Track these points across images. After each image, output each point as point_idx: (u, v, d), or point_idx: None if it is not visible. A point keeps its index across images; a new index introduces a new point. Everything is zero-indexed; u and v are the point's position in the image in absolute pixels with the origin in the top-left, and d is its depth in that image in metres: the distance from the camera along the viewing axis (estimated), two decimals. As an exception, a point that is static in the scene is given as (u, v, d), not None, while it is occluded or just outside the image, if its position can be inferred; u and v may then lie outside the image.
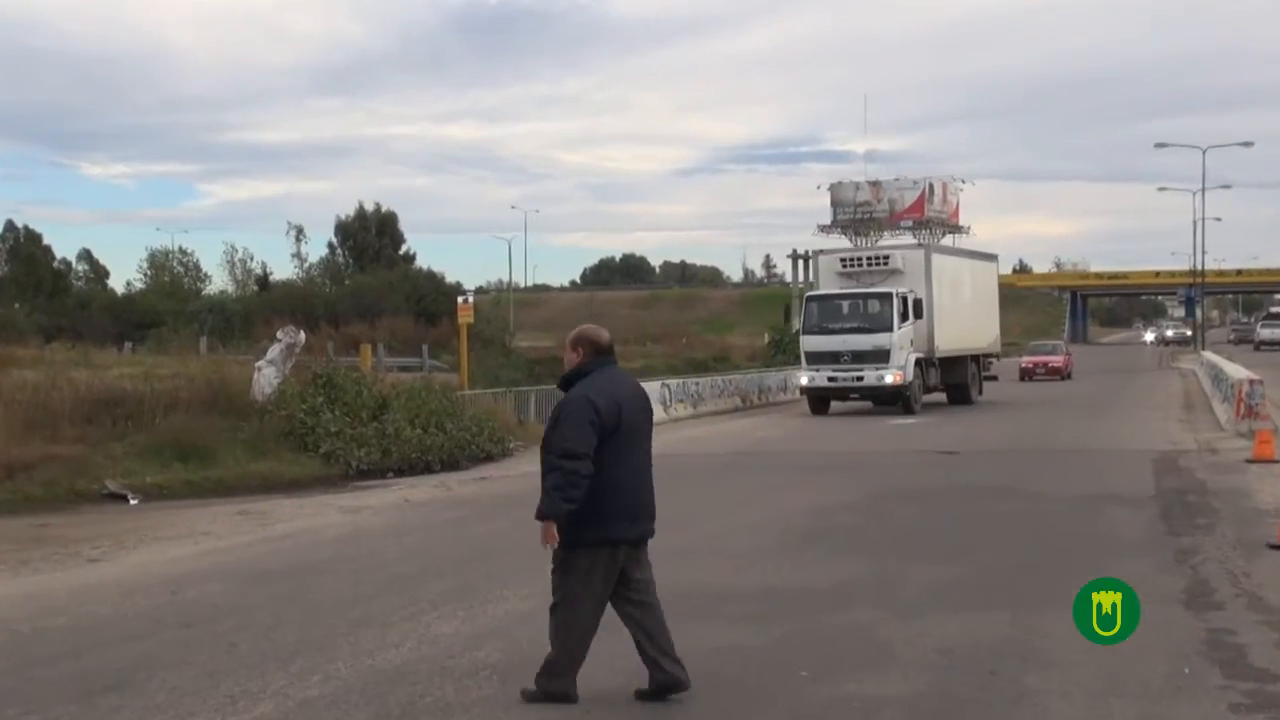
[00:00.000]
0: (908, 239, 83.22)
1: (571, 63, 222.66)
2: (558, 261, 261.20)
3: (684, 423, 30.25)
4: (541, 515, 6.38)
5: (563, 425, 6.38)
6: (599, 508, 6.39)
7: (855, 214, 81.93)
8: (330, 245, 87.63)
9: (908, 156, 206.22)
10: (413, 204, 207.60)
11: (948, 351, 32.89)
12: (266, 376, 21.73)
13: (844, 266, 32.50)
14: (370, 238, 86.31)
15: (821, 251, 35.16)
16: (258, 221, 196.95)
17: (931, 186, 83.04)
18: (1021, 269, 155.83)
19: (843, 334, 30.72)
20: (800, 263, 70.89)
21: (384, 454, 20.60)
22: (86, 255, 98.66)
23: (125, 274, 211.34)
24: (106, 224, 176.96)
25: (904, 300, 30.90)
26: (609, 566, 6.56)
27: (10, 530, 14.41)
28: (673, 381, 33.79)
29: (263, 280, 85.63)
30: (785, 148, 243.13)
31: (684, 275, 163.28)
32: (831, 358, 30.81)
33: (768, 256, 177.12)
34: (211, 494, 17.90)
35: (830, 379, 30.88)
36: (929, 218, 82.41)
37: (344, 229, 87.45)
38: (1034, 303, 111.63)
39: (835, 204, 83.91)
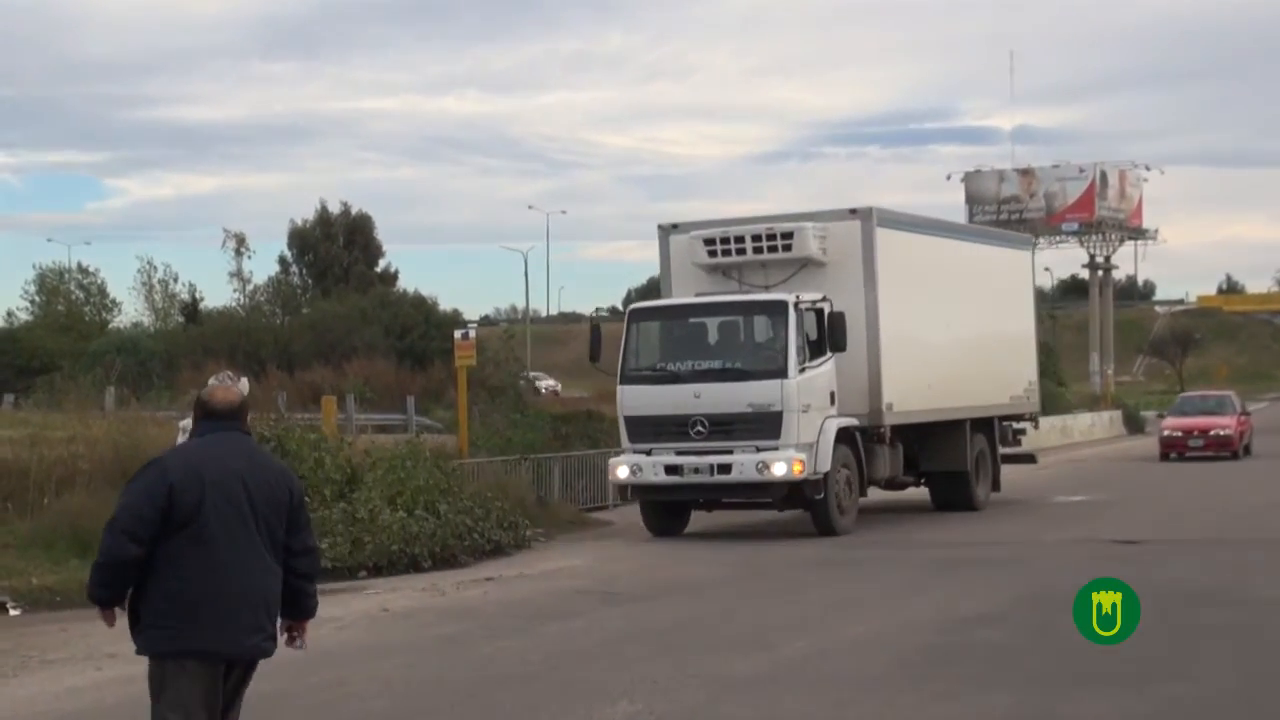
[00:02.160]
0: (1073, 247, 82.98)
1: (612, 9, 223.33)
2: (593, 281, 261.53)
3: None
4: (90, 596, 7.13)
5: (122, 495, 7.03)
6: (174, 608, 6.91)
7: (999, 213, 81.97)
8: (282, 261, 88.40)
9: (1071, 134, 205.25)
10: (394, 204, 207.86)
11: (919, 413, 25.45)
12: (195, 440, 21.85)
13: (713, 254, 24.77)
14: (336, 250, 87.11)
15: (675, 227, 25.79)
16: (184, 229, 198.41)
17: (1104, 175, 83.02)
18: (1230, 288, 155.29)
19: (693, 381, 23.26)
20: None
21: (354, 546, 20.67)
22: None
23: (5, 301, 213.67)
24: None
25: (813, 314, 23.35)
26: (205, 686, 6.98)
27: None
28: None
29: (190, 309, 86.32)
30: (904, 124, 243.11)
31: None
32: (674, 428, 23.32)
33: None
34: (120, 601, 17.97)
35: (670, 469, 23.24)
36: (1101, 218, 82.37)
37: (300, 238, 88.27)
38: (1249, 335, 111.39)
39: (972, 200, 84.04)
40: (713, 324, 24.59)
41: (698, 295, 24.69)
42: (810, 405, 22.89)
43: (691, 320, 24.63)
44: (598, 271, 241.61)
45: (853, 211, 24.43)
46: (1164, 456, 42.30)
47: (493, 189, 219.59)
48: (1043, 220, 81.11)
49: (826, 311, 23.27)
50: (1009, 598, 16.05)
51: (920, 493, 27.73)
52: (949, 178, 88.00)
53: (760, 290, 24.18)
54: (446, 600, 17.51)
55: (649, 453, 23.40)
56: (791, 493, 23.00)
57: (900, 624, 14.55)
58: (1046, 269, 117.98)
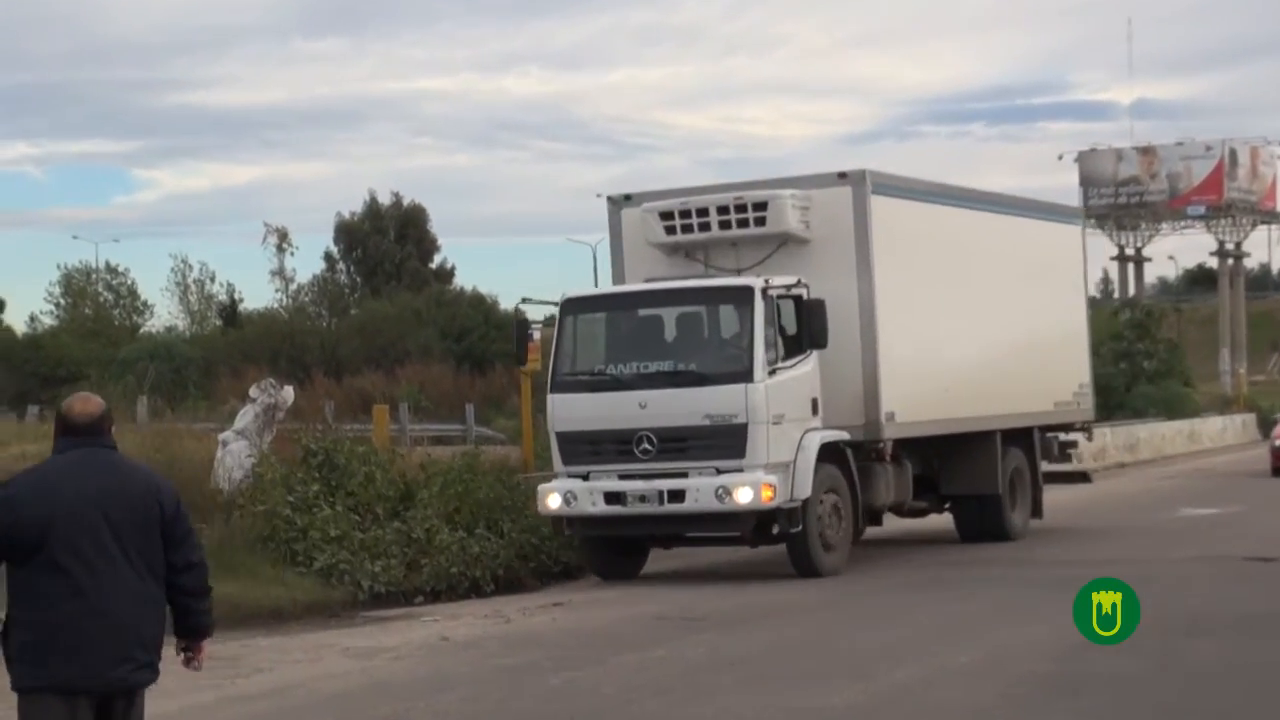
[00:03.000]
0: (1199, 232, 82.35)
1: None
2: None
3: None
4: None
5: None
6: (33, 641, 7.07)
7: (1117, 195, 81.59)
8: (328, 257, 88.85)
9: (1197, 108, 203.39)
10: (450, 194, 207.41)
11: (932, 424, 23.14)
12: (236, 455, 22.04)
13: (671, 231, 22.27)
14: (387, 245, 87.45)
15: (628, 198, 23.31)
16: (221, 224, 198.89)
17: (1233, 153, 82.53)
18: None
19: (639, 387, 20.74)
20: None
21: (409, 568, 20.75)
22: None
23: (28, 304, 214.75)
24: (0, 229, 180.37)
25: (789, 302, 20.99)
26: None
27: None
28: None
29: (229, 311, 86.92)
30: (1010, 99, 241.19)
31: None
32: (616, 446, 20.81)
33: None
34: (156, 630, 18.13)
35: (610, 497, 20.76)
36: (1230, 200, 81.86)
37: (348, 232, 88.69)
38: None
39: (1087, 182, 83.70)
40: (664, 316, 21.82)
41: (647, 281, 22.23)
42: (784, 415, 20.35)
43: (638, 312, 22.01)
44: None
45: (841, 175, 21.87)
46: (1275, 471, 39.81)
47: (557, 176, 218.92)
48: (1165, 204, 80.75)
49: (804, 299, 20.82)
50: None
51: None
52: (1060, 158, 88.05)
53: (730, 274, 21.70)
54: (511, 628, 17.50)
55: (586, 477, 20.86)
56: (762, 524, 20.53)
57: (1012, 650, 14.46)
58: (1171, 257, 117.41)
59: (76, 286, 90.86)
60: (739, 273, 21.57)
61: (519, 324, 24.15)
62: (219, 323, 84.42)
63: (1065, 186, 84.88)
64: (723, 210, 21.80)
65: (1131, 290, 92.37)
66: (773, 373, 20.28)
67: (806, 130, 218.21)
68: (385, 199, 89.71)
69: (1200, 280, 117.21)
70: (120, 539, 7.15)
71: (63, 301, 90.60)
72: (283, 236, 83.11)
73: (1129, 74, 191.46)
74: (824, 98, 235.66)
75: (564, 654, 15.32)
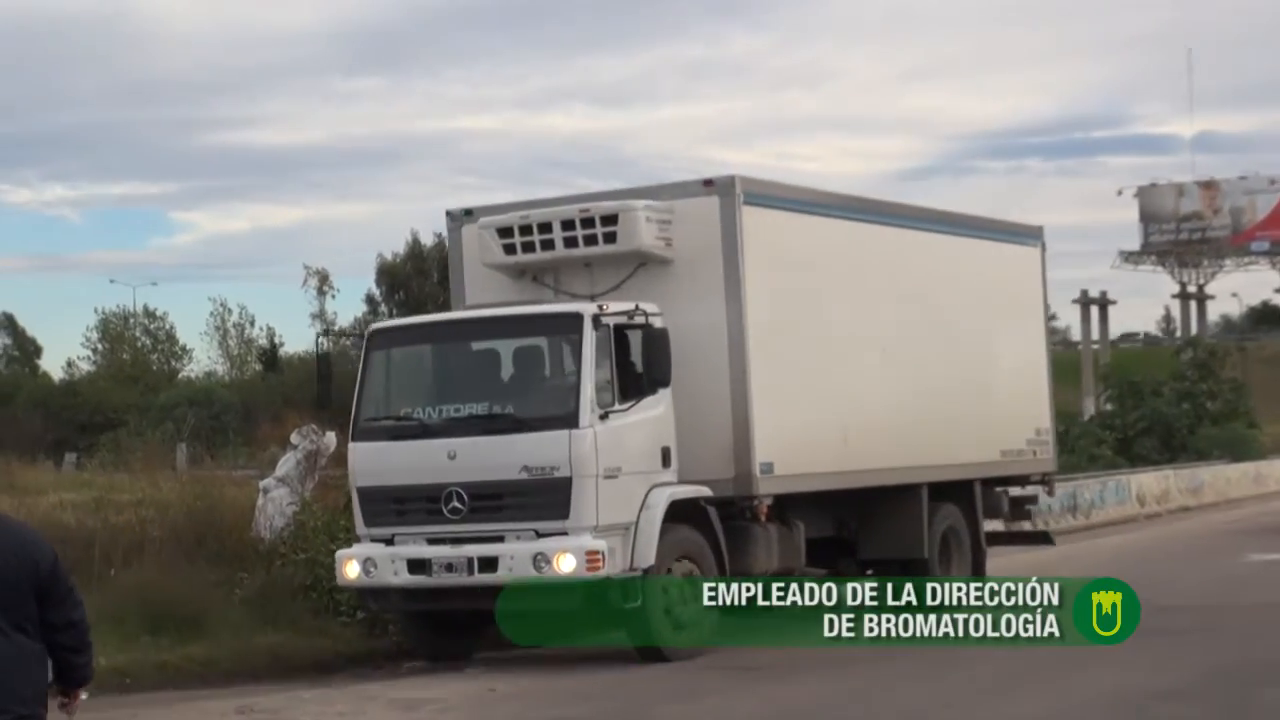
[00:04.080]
0: (1263, 267, 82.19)
1: (737, 9, 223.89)
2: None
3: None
4: None
5: None
6: None
7: (1178, 232, 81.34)
8: (369, 299, 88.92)
9: (1261, 141, 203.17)
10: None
11: (827, 477, 20.24)
12: (277, 502, 22.06)
13: (511, 250, 19.61)
14: (431, 287, 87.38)
15: (469, 213, 20.52)
16: (260, 266, 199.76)
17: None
18: None
19: (448, 434, 18.17)
20: (1094, 309, 70.41)
21: (455, 618, 20.70)
22: (8, 322, 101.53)
23: (65, 349, 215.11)
24: (38, 274, 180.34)
25: (637, 333, 18.13)
26: None
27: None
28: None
29: (269, 355, 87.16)
30: (1069, 133, 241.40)
31: None
32: (424, 504, 18.15)
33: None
34: (196, 681, 18.10)
35: (415, 566, 18.08)
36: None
37: (389, 274, 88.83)
38: None
39: (1147, 218, 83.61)
40: (482, 351, 19.29)
41: (468, 309, 19.69)
42: (621, 468, 17.61)
43: (453, 346, 19.49)
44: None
45: (708, 183, 19.15)
46: None
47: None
48: (1228, 239, 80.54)
49: (645, 326, 17.95)
50: (1200, 670, 15.74)
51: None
52: (1120, 193, 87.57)
53: (582, 300, 18.80)
54: (558, 680, 17.49)
55: (390, 540, 18.25)
56: (593, 598, 17.54)
57: (1071, 702, 14.32)
58: (1234, 294, 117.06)
59: (114, 331, 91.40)
60: (592, 298, 18.69)
61: (320, 359, 22.05)
62: (259, 367, 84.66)
63: (1125, 222, 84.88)
64: (568, 225, 19.08)
65: (1194, 329, 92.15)
66: (605, 417, 17.54)
67: (860, 166, 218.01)
68: (428, 239, 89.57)
69: (1266, 318, 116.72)
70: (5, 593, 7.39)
71: (100, 347, 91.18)
72: (323, 279, 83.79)
73: (1190, 106, 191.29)
74: (878, 133, 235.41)
75: (611, 707, 15.29)
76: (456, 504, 17.72)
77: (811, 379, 20.04)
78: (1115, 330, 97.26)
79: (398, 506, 18.21)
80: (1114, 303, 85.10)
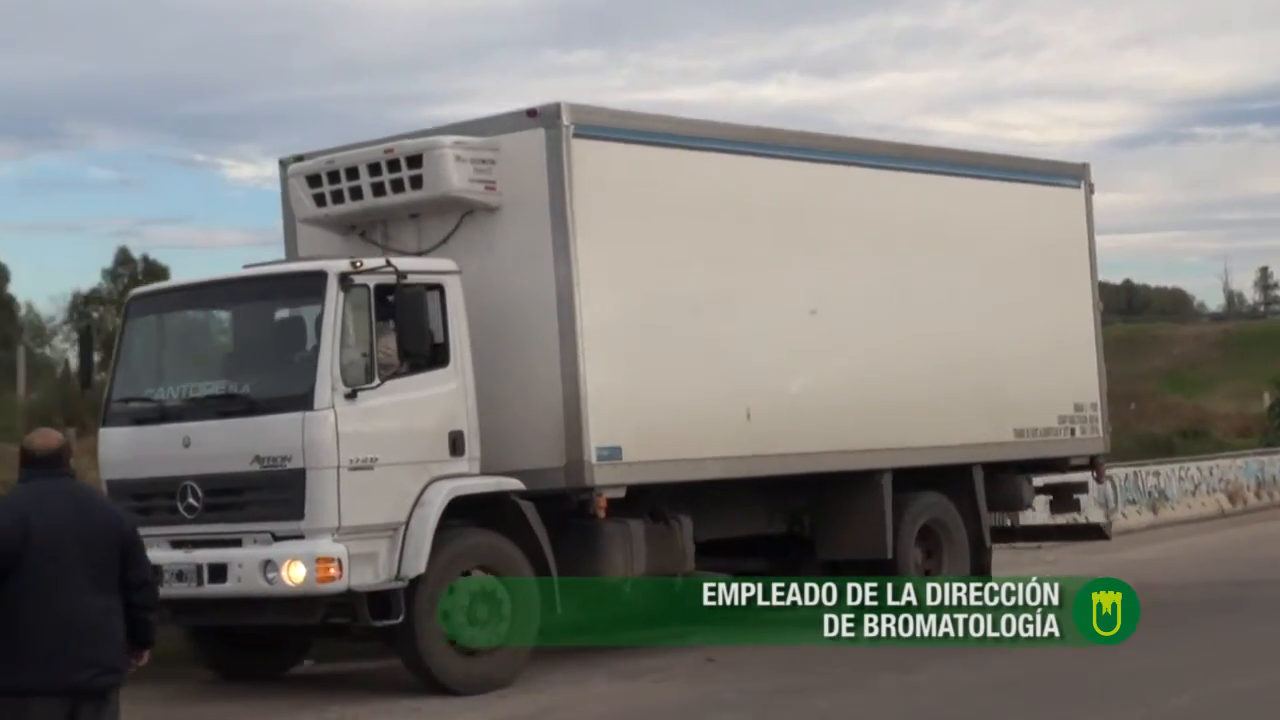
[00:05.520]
0: None
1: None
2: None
3: (1137, 536, 30.04)
4: None
5: None
6: (7, 648, 7.90)
7: None
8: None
9: None
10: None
11: (719, 463, 17.20)
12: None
13: (321, 201, 17.02)
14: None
15: (300, 159, 17.64)
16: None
17: None
18: None
19: (184, 418, 15.52)
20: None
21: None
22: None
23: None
24: (262, 249, 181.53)
25: (415, 296, 15.17)
26: None
27: None
28: (1116, 472, 32.41)
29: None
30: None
31: (1130, 303, 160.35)
32: (164, 501, 15.37)
33: (1264, 272, 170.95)
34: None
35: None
36: None
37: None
38: None
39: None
40: (232, 319, 16.90)
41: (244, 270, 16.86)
42: (378, 458, 14.85)
43: (202, 314, 17.25)
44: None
45: (531, 114, 16.31)
46: None
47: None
48: None
49: (403, 288, 14.96)
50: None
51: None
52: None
53: (410, 257, 16.20)
54: (778, 650, 16.87)
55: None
56: (339, 613, 14.95)
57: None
58: None
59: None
60: (420, 255, 16.35)
61: (82, 337, 19.07)
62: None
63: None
64: (374, 169, 16.51)
65: None
66: (353, 396, 14.73)
67: (1073, 134, 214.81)
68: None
69: None
70: (84, 558, 8.05)
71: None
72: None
73: None
74: (1092, 100, 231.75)
75: (832, 676, 15.11)
76: (192, 500, 15.12)
77: (688, 347, 17.04)
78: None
79: (140, 503, 15.06)
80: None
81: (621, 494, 16.10)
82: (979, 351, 19.78)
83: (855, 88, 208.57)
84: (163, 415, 15.54)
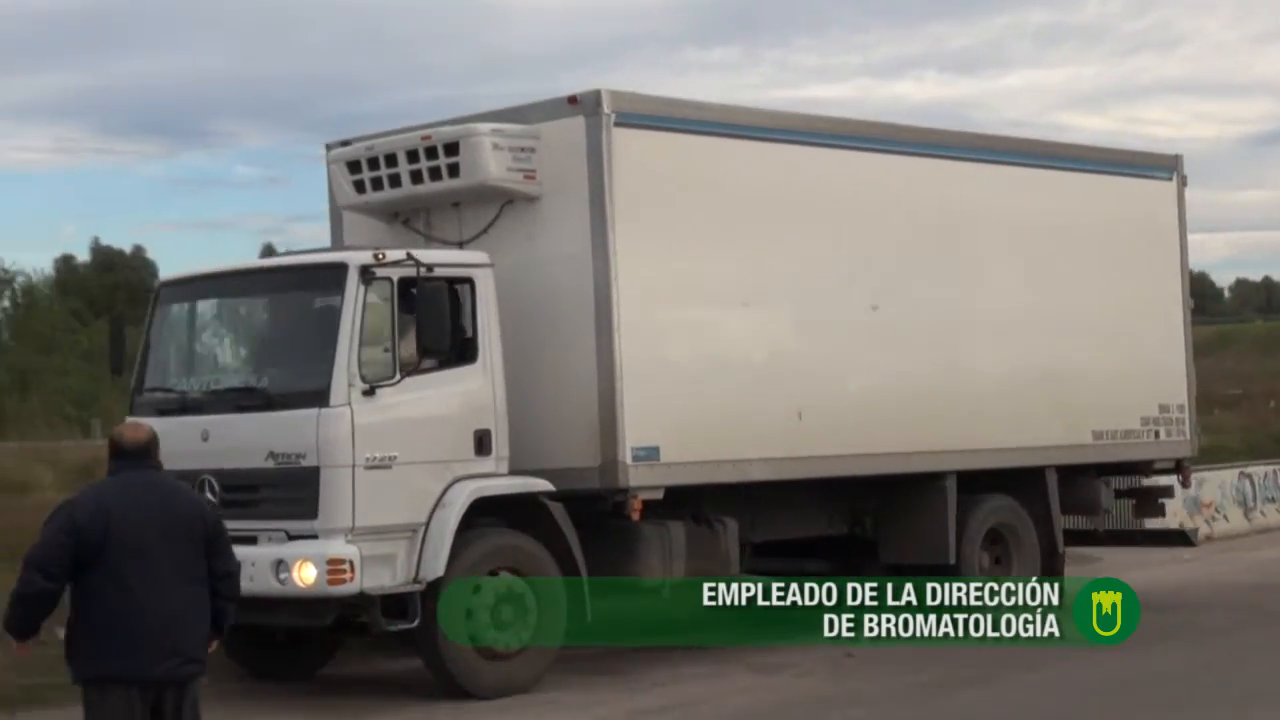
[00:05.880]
0: None
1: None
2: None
3: (1276, 535, 30.64)
4: (5, 626, 8.42)
5: (40, 534, 8.28)
6: (91, 637, 8.20)
7: None
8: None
9: None
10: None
11: (767, 465, 16.83)
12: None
13: (361, 187, 16.81)
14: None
15: (346, 144, 17.27)
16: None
17: None
18: None
19: (204, 410, 15.50)
20: None
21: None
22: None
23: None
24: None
25: (440, 289, 14.91)
26: (125, 711, 8.17)
27: None
28: (1255, 469, 33.16)
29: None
30: None
31: (1270, 301, 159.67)
32: None
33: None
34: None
35: None
36: None
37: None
38: None
39: None
40: (255, 311, 16.83)
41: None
42: (397, 456, 14.61)
43: (226, 304, 17.02)
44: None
45: (572, 101, 15.92)
46: None
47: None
48: None
49: (420, 283, 14.76)
50: None
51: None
52: None
53: (451, 248, 16.28)
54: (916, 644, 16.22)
55: None
56: (350, 613, 14.71)
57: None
58: None
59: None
60: (461, 246, 16.26)
61: (114, 323, 18.67)
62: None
63: None
64: (412, 156, 16.26)
65: None
66: (371, 392, 14.47)
67: (1213, 130, 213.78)
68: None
69: None
70: (169, 549, 8.27)
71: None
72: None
73: None
74: (1233, 96, 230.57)
75: (968, 673, 15.28)
76: (209, 495, 14.67)
77: (735, 344, 16.74)
78: None
79: None
80: None
81: (659, 495, 15.77)
82: (1054, 350, 19.31)
83: (992, 84, 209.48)
84: (183, 407, 15.47)
